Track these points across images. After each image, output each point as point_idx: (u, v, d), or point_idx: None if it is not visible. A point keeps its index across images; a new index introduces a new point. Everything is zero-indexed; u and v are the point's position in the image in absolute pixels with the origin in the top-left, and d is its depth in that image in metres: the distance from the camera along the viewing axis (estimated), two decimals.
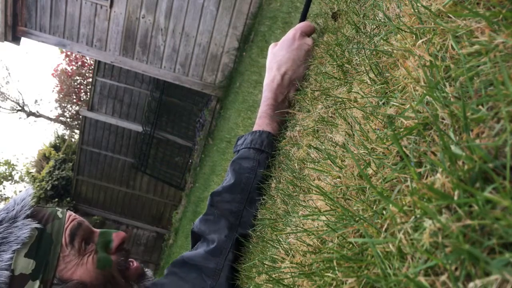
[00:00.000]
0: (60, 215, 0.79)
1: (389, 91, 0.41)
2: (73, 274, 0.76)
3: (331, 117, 0.58)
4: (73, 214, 0.82)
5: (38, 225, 0.74)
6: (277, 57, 0.90)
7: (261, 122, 0.90)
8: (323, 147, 0.53)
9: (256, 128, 0.92)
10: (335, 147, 0.49)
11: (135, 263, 0.87)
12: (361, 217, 0.35)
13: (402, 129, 0.34)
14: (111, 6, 5.02)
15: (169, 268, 0.85)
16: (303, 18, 0.98)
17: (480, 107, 0.28)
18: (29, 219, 0.74)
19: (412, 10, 0.39)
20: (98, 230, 0.84)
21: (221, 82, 5.31)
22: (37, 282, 0.72)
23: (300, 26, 0.91)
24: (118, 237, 0.83)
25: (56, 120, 14.45)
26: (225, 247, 0.79)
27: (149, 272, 0.90)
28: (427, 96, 0.32)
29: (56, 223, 0.77)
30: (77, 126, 12.80)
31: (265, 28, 4.30)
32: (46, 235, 0.75)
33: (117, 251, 0.83)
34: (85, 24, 5.23)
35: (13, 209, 0.75)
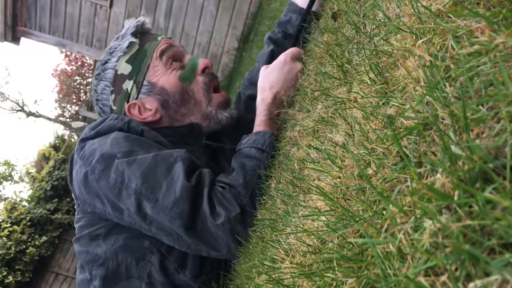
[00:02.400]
0: (158, 39, 1.04)
1: (389, 91, 0.41)
2: (158, 80, 1.01)
3: (331, 117, 0.58)
4: (170, 40, 1.05)
5: (134, 40, 1.01)
6: (270, 78, 0.99)
7: (262, 128, 0.96)
8: (323, 147, 0.53)
9: (257, 129, 0.97)
10: (335, 147, 0.49)
11: (224, 93, 1.07)
12: (361, 217, 0.35)
13: (402, 129, 0.34)
14: (110, 6, 5.01)
15: None
16: (294, 43, 1.07)
17: (480, 107, 0.28)
18: (132, 37, 1.01)
19: (412, 10, 0.39)
20: (189, 55, 1.07)
21: (221, 82, 5.29)
22: (132, 82, 1.00)
23: (290, 51, 1.00)
24: (203, 62, 1.04)
25: (55, 120, 14.44)
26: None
27: (234, 110, 1.08)
28: (427, 96, 0.32)
29: (153, 43, 1.03)
30: None
31: (265, 28, 4.30)
32: (143, 50, 1.01)
33: (203, 74, 1.04)
34: (85, 24, 5.23)
35: (125, 30, 1.03)
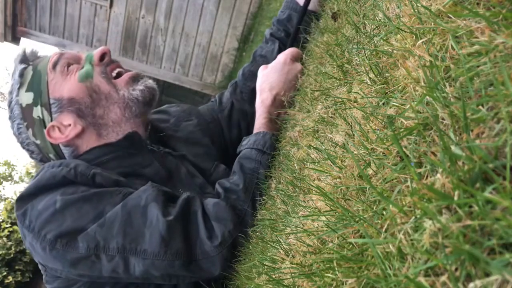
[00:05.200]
0: (49, 55, 0.96)
1: (389, 91, 0.41)
2: (62, 93, 0.91)
3: (331, 117, 0.58)
4: (61, 51, 0.97)
5: (23, 65, 0.94)
6: (269, 79, 0.97)
7: (262, 129, 0.94)
8: (323, 147, 0.53)
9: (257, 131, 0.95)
10: (335, 147, 0.49)
11: (127, 74, 0.96)
12: (361, 217, 0.35)
13: (402, 130, 0.34)
14: (110, 6, 5.01)
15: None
16: (292, 43, 1.05)
17: (480, 107, 0.28)
18: (22, 64, 0.94)
19: (412, 10, 0.39)
20: (84, 54, 0.97)
21: (221, 82, 5.30)
22: (39, 107, 0.92)
23: (290, 51, 0.98)
24: (97, 51, 0.95)
25: None
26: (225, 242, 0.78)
27: (149, 81, 0.97)
28: (427, 96, 0.32)
29: (43, 60, 0.95)
30: None
31: (265, 28, 4.29)
32: (37, 72, 0.93)
33: (101, 63, 0.94)
34: (85, 24, 5.23)
35: (13, 64, 0.97)
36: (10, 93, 0.95)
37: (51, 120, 0.91)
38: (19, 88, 0.92)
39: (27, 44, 0.96)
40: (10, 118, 0.96)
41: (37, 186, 0.80)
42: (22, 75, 0.93)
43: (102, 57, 0.94)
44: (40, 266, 0.86)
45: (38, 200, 0.79)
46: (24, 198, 0.80)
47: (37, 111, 0.91)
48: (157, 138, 1.01)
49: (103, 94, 0.92)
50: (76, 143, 0.93)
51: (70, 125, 0.91)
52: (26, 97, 0.92)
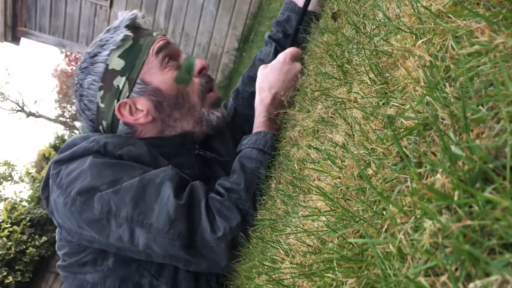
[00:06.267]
0: (154, 35, 0.98)
1: (389, 91, 0.41)
2: (153, 80, 0.94)
3: (331, 117, 0.58)
4: (166, 37, 1.00)
5: (130, 34, 0.93)
6: (268, 78, 0.98)
7: (262, 129, 0.95)
8: (323, 147, 0.53)
9: (257, 130, 0.95)
10: (335, 147, 0.49)
11: (216, 93, 1.02)
12: (361, 217, 0.35)
13: (402, 130, 0.34)
14: (110, 6, 5.01)
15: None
16: (292, 43, 1.05)
17: (480, 107, 0.28)
18: (127, 29, 0.93)
19: (412, 10, 0.39)
20: (184, 55, 1.01)
21: (221, 82, 5.30)
22: (124, 78, 0.92)
23: (290, 51, 0.98)
24: (200, 62, 0.99)
25: (55, 120, 14.45)
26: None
27: (224, 110, 1.04)
28: (427, 97, 0.32)
29: (148, 39, 0.96)
30: (77, 126, 12.78)
31: (265, 28, 4.29)
32: (138, 45, 0.94)
33: (199, 75, 0.98)
34: (85, 24, 5.23)
35: (118, 22, 0.96)
36: (100, 46, 0.93)
37: (128, 97, 0.93)
38: (113, 50, 0.92)
39: (137, 13, 1.01)
40: (85, 68, 0.94)
41: (73, 154, 0.86)
42: (124, 39, 0.92)
43: (201, 71, 0.99)
44: (57, 230, 0.92)
45: (72, 162, 0.86)
46: (61, 161, 0.87)
47: (120, 81, 0.92)
48: (204, 140, 1.05)
49: (188, 103, 0.96)
50: (137, 128, 0.96)
51: (143, 110, 0.93)
52: (116, 62, 0.92)
